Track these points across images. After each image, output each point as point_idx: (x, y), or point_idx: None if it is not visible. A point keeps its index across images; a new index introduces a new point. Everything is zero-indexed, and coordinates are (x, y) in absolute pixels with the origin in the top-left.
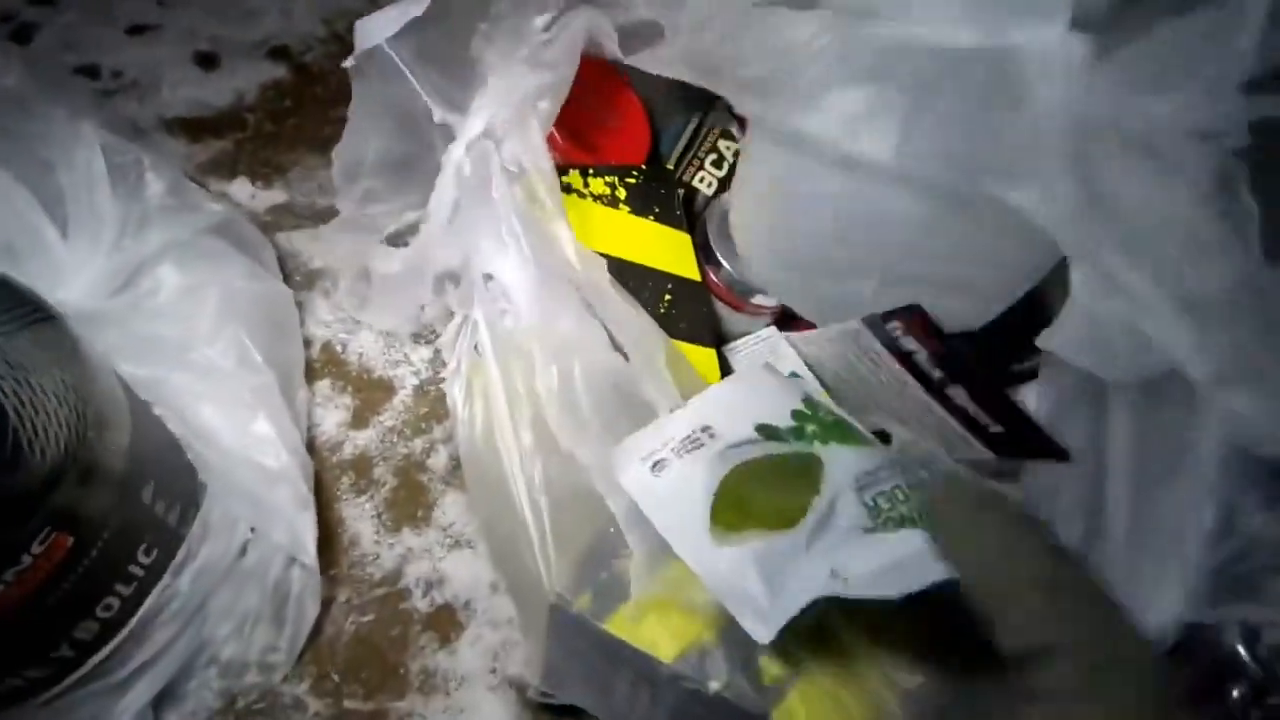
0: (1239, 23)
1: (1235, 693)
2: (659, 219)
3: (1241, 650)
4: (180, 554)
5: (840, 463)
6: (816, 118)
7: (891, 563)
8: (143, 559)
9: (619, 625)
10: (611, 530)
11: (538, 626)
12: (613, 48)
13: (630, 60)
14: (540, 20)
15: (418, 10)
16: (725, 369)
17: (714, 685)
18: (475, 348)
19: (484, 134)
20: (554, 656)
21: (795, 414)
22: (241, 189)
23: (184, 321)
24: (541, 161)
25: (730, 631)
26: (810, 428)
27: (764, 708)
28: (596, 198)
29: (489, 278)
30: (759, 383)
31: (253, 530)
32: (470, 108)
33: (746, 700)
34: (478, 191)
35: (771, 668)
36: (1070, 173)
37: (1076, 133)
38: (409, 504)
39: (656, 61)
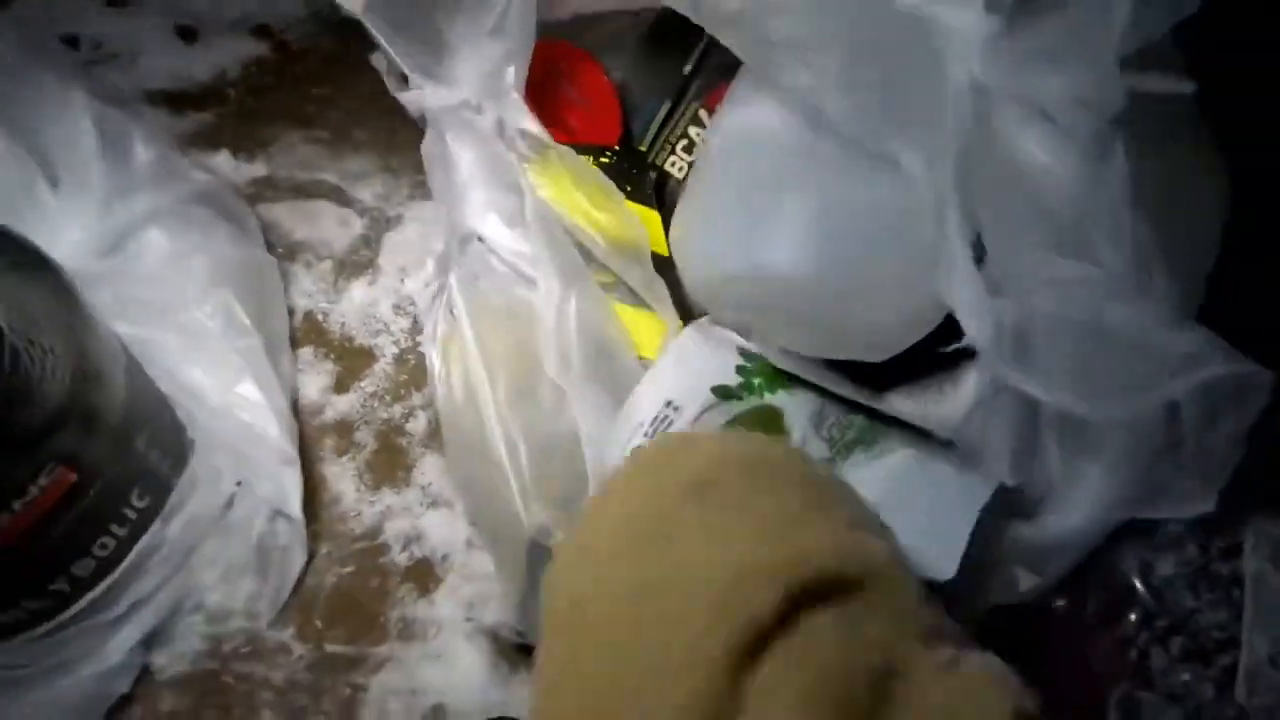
0: (1114, 7)
1: (1131, 617)
2: (632, 197)
3: (1136, 581)
4: (170, 502)
5: (794, 407)
6: (774, 54)
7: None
8: (137, 503)
9: None
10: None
11: (516, 568)
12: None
13: None
14: None
15: None
16: None
17: None
18: (451, 311)
19: (463, 103)
20: (530, 595)
21: (739, 369)
22: (224, 161)
23: (172, 284)
24: (528, 122)
25: None
26: (756, 380)
27: None
28: None
29: (474, 239)
30: (698, 347)
31: (239, 485)
32: (444, 77)
33: None
34: (461, 157)
35: None
36: (965, 136)
37: (979, 99)
38: (389, 465)
39: None
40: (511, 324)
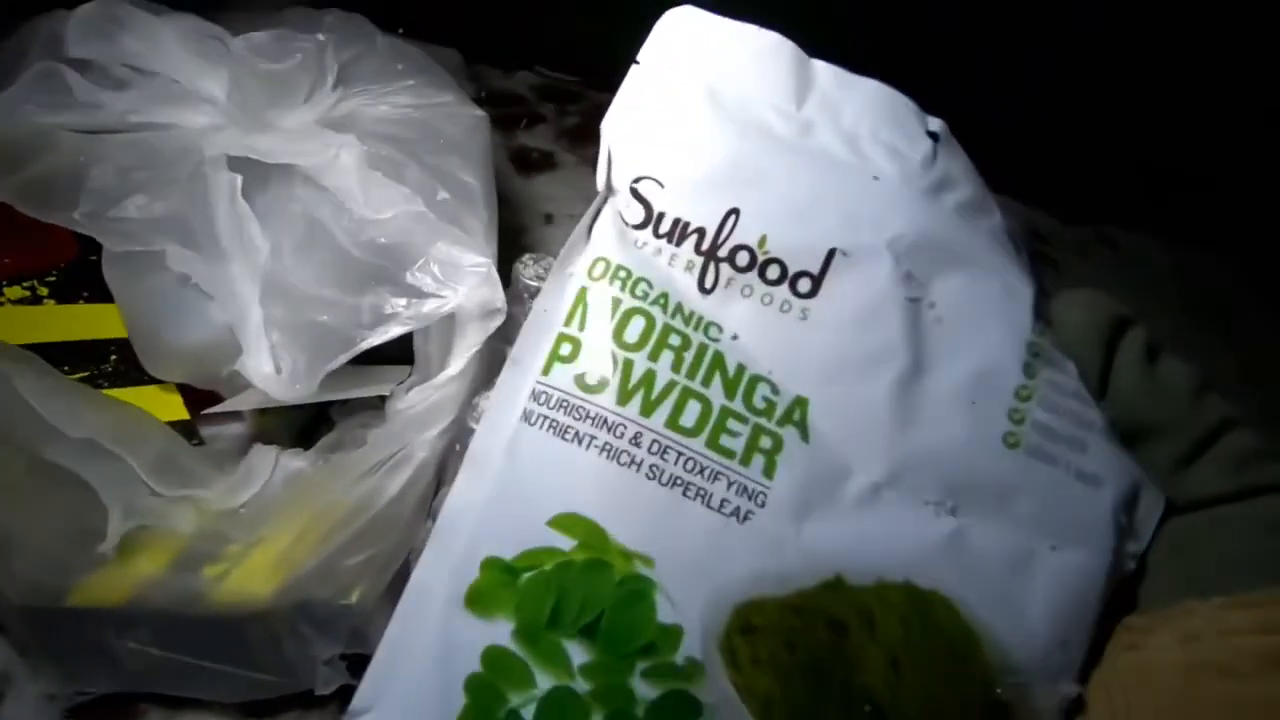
0: None
1: None
2: (90, 300)
3: None
4: None
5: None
6: None
7: None
8: None
9: (79, 598)
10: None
11: (35, 642)
12: None
13: None
14: None
15: None
16: (189, 395)
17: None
18: None
19: None
20: (57, 656)
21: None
22: None
23: None
24: None
25: (178, 563)
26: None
27: (210, 594)
28: (15, 301)
29: None
30: None
31: None
32: None
33: (193, 599)
34: None
35: (213, 569)
36: None
37: None
38: None
39: None
40: None
